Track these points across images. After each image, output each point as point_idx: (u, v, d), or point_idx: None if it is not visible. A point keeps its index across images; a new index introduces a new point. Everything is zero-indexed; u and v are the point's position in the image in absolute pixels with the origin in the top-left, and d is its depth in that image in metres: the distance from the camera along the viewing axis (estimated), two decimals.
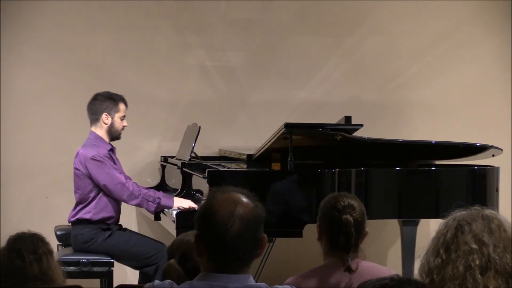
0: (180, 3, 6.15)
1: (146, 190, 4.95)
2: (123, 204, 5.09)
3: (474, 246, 1.97)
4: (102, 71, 6.01)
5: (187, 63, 6.19)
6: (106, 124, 5.00)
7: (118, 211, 5.07)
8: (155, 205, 4.89)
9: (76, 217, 4.97)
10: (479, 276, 1.94)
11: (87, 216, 4.93)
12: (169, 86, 6.15)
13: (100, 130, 5.01)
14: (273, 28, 6.28)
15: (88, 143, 4.99)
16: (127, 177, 5.08)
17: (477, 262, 1.95)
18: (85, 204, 4.95)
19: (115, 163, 5.00)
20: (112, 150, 5.03)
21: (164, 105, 6.11)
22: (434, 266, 2.00)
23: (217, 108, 6.22)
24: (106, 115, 4.99)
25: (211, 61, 6.22)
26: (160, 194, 4.98)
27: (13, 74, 5.90)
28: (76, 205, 5.01)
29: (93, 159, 4.87)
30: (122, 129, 5.07)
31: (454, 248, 1.99)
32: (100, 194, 4.94)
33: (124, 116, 5.05)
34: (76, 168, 4.97)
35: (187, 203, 4.91)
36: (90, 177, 4.91)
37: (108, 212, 4.97)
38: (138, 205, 4.98)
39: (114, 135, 5.04)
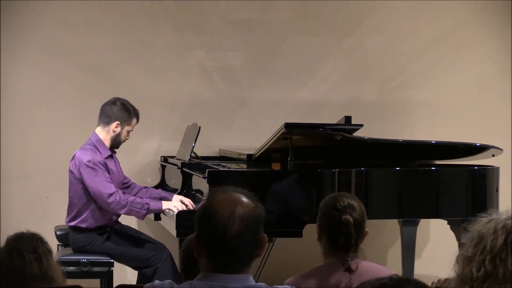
0: (180, 3, 6.15)
1: (133, 198, 4.90)
2: None
3: None
4: (102, 71, 6.02)
5: (187, 63, 6.19)
6: (114, 132, 5.00)
7: (115, 216, 5.04)
8: (144, 212, 4.85)
9: (71, 224, 4.96)
10: None
11: (83, 225, 4.92)
12: (169, 86, 6.15)
13: (106, 135, 5.00)
14: (273, 28, 6.28)
15: (86, 146, 4.96)
16: (121, 183, 5.07)
17: None
18: (77, 211, 4.91)
19: (109, 172, 4.94)
20: (111, 156, 5.02)
21: (164, 105, 6.11)
22: (476, 276, 1.99)
23: (217, 108, 6.22)
24: (117, 124, 4.99)
25: (211, 61, 6.22)
26: (147, 200, 4.93)
27: (13, 75, 5.90)
28: (69, 208, 4.99)
29: (87, 165, 4.83)
30: (124, 141, 5.08)
31: (502, 267, 1.96)
32: (94, 204, 4.90)
33: (132, 130, 5.06)
34: (70, 171, 4.95)
35: (173, 204, 4.88)
36: (82, 182, 4.90)
37: (104, 220, 4.95)
38: (127, 214, 4.91)
39: (115, 144, 5.05)
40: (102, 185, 4.81)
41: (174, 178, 5.62)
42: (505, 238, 1.99)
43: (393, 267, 4.93)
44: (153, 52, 6.12)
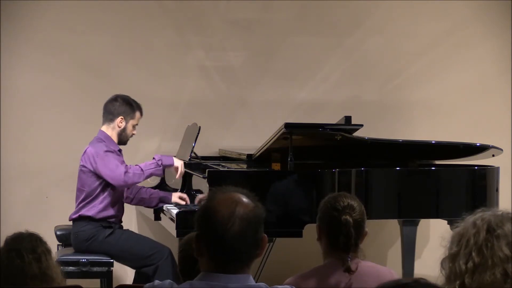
0: (180, 3, 6.15)
1: (143, 164, 5.00)
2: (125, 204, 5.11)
3: (509, 253, 1.98)
4: (102, 71, 6.01)
5: (187, 63, 6.19)
6: (119, 127, 5.06)
7: (121, 211, 5.09)
8: (160, 167, 5.00)
9: (78, 214, 4.97)
10: None
11: (90, 213, 4.95)
12: (169, 86, 6.15)
13: (112, 131, 5.06)
14: (273, 28, 6.28)
15: (96, 141, 5.02)
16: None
17: None
18: (89, 200, 4.96)
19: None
20: (119, 151, 5.06)
21: (164, 105, 6.11)
22: (465, 269, 2.00)
23: (217, 108, 6.22)
24: (121, 118, 5.06)
25: (211, 61, 6.22)
26: (158, 156, 5.06)
27: (13, 74, 5.90)
28: (80, 202, 5.01)
29: (104, 152, 4.91)
30: (131, 136, 5.13)
31: (489, 254, 1.99)
32: (106, 193, 4.96)
33: (137, 124, 5.12)
34: (82, 165, 4.99)
35: (180, 166, 5.05)
36: (95, 173, 4.93)
37: (112, 211, 4.99)
38: (148, 177, 5.05)
39: (122, 139, 5.11)
40: (115, 166, 4.89)
41: (174, 178, 5.61)
42: (487, 228, 2.02)
43: (393, 267, 4.92)
44: (153, 52, 6.12)
